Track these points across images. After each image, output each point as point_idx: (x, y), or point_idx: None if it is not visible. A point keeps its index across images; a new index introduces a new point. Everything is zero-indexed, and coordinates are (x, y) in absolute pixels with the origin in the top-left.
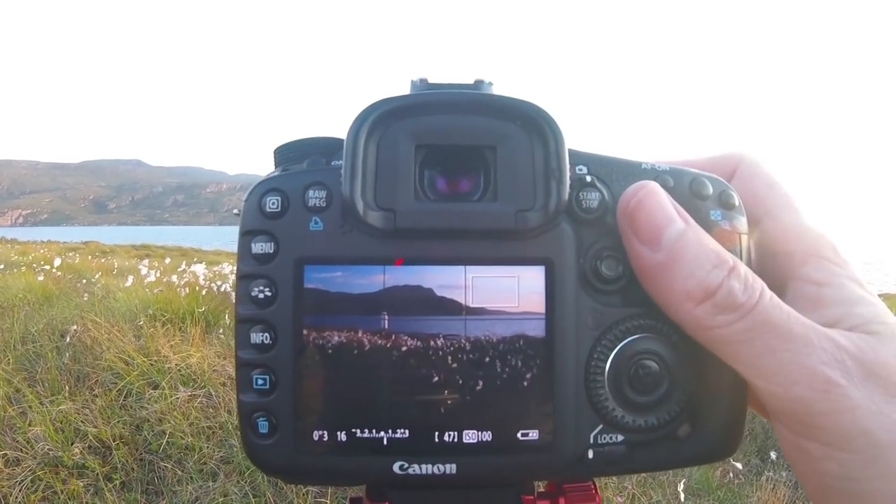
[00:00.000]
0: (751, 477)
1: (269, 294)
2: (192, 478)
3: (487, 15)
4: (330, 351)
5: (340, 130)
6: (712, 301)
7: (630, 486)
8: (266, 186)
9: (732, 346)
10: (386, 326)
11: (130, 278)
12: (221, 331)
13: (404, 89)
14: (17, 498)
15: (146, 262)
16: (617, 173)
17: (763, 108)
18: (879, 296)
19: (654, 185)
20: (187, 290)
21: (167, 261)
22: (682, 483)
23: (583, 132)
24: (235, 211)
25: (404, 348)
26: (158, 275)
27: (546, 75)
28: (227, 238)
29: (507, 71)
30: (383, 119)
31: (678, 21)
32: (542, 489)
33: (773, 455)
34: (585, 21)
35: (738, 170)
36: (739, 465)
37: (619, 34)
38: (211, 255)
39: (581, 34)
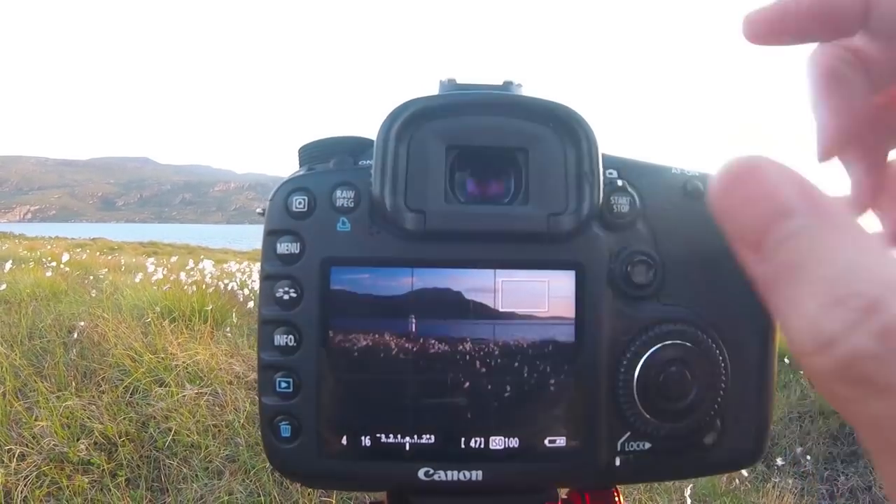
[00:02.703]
0: (757, 483)
1: (294, 295)
2: (197, 476)
3: (514, 15)
4: (356, 354)
5: (357, 129)
6: (836, 369)
7: (636, 492)
8: (293, 185)
9: None
10: (413, 330)
11: (139, 275)
12: (228, 329)
13: (429, 89)
14: (22, 493)
15: (153, 259)
16: (647, 178)
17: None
18: None
19: (759, 162)
20: (195, 287)
21: (174, 258)
22: (688, 489)
23: (611, 135)
24: (259, 210)
25: (432, 352)
26: (166, 272)
27: (572, 77)
28: (234, 236)
29: (533, 70)
30: (414, 119)
31: (708, 24)
32: (564, 496)
33: (779, 461)
34: (614, 21)
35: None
36: (745, 472)
37: (648, 35)
38: (218, 253)
39: (609, 35)
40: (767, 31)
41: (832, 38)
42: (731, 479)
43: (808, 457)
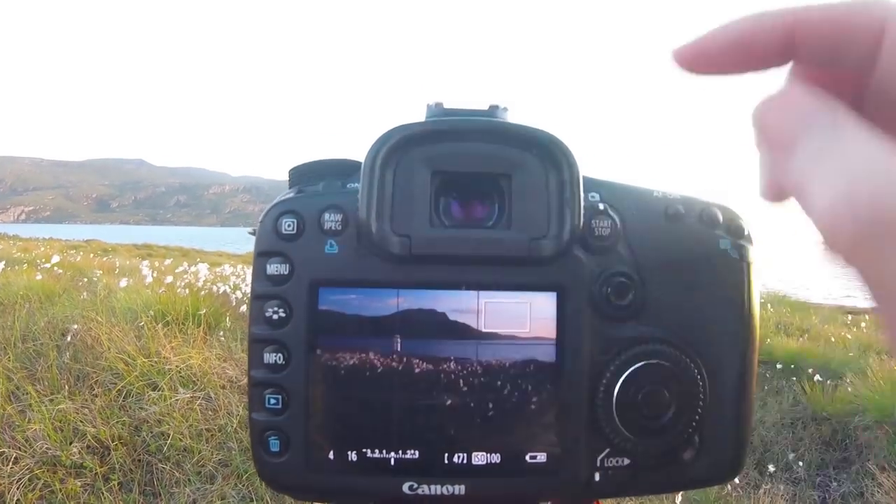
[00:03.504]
0: (748, 490)
1: (283, 315)
2: (190, 480)
3: (500, 37)
4: (342, 372)
5: (347, 140)
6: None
7: (626, 499)
8: (282, 208)
9: None
10: (399, 349)
11: (126, 280)
12: (222, 333)
13: (417, 108)
14: (14, 496)
15: (147, 262)
16: (629, 201)
17: None
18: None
19: (793, 83)
20: (187, 290)
21: (168, 261)
22: (679, 496)
23: (594, 153)
24: (250, 230)
25: (416, 371)
26: (157, 275)
27: (560, 93)
28: (228, 239)
29: (522, 85)
30: (401, 145)
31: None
32: None
33: (770, 468)
34: (599, 45)
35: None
36: (737, 479)
37: (631, 58)
38: (213, 255)
39: (593, 58)
40: (695, 66)
41: (761, 69)
42: (723, 486)
43: (801, 463)
